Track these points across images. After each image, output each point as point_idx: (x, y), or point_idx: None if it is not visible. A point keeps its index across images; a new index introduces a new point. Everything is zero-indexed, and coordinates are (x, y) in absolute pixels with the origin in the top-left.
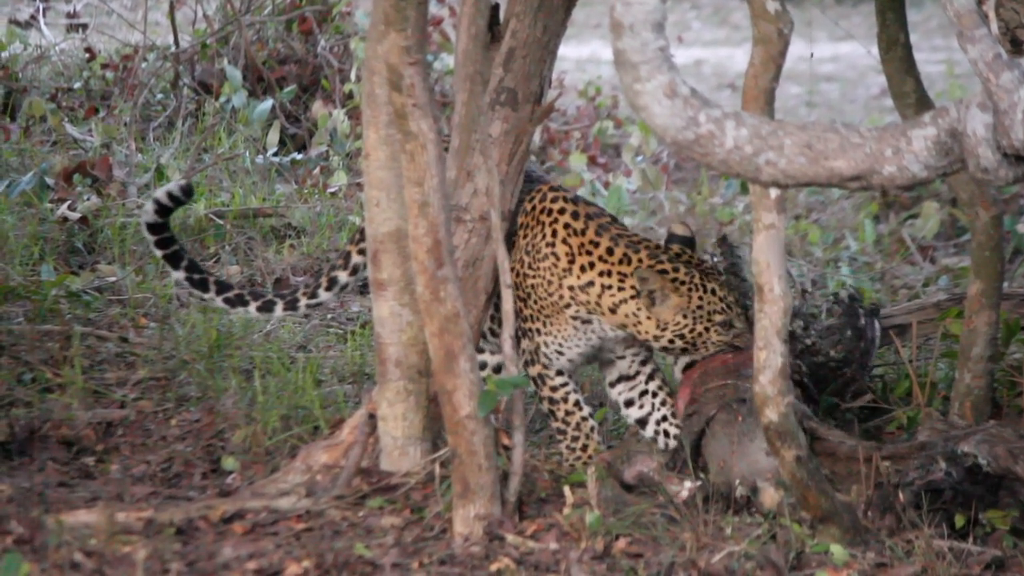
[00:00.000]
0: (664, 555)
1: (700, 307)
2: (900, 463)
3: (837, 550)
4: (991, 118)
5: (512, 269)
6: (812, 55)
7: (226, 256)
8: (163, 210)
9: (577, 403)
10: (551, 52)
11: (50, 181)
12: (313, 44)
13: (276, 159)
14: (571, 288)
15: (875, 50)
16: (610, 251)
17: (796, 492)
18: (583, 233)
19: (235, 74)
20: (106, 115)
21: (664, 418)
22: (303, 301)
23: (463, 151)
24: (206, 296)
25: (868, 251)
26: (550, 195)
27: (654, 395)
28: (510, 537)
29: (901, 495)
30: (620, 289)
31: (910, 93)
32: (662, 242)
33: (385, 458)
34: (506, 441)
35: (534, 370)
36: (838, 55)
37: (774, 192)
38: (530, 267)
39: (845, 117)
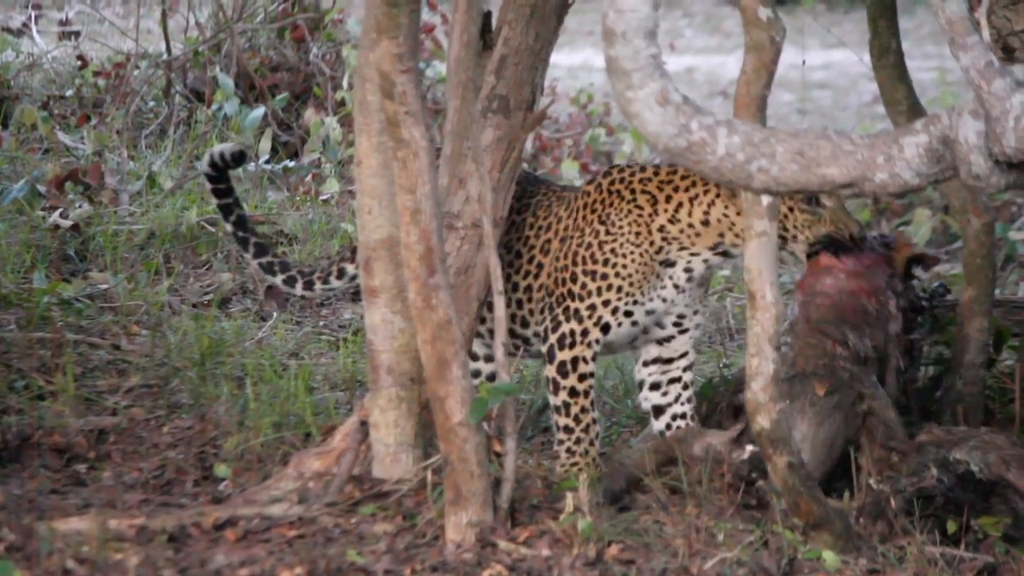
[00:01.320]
0: (656, 561)
1: None
2: (893, 470)
3: (829, 556)
4: (983, 125)
5: (567, 254)
6: (804, 62)
7: (218, 264)
8: (217, 167)
9: (593, 404)
10: (543, 59)
11: (42, 189)
12: (305, 52)
13: (268, 167)
14: (661, 228)
15: (867, 57)
16: (689, 175)
17: (788, 499)
18: (656, 175)
19: (227, 82)
20: (98, 123)
21: (684, 415)
22: (318, 285)
23: (455, 158)
24: (245, 255)
25: None
26: (618, 174)
27: (685, 387)
28: (502, 544)
29: (893, 501)
30: (705, 192)
31: (902, 100)
32: None
33: (377, 465)
34: (498, 448)
35: (567, 354)
36: (830, 62)
37: (766, 199)
38: (608, 233)
39: (837, 124)
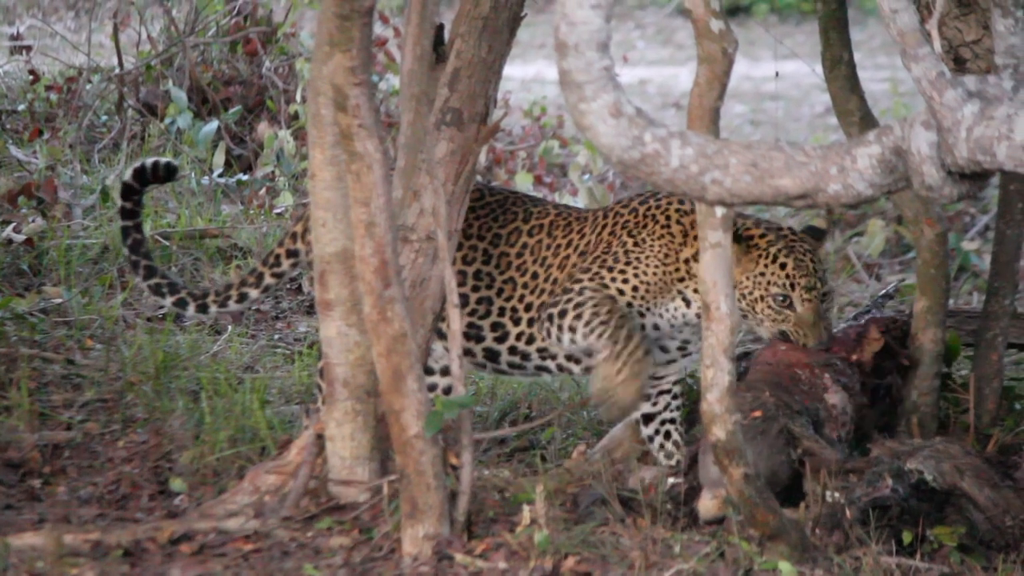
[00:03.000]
0: (613, 573)
1: (761, 274)
2: (848, 479)
3: (785, 567)
4: (935, 136)
5: (590, 258)
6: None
7: (172, 278)
8: (143, 181)
9: (621, 317)
10: (496, 72)
11: None
12: (258, 65)
13: (222, 180)
14: (687, 260)
15: (819, 68)
16: None
17: (744, 510)
18: (693, 211)
19: (180, 95)
20: (51, 137)
21: (672, 420)
22: (213, 308)
23: (409, 171)
24: (136, 278)
25: None
26: (652, 200)
27: (674, 397)
28: (459, 556)
29: (848, 512)
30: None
31: (854, 111)
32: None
33: (333, 478)
34: (454, 460)
35: (580, 297)
36: (782, 74)
37: (720, 211)
38: (635, 246)
39: (790, 136)
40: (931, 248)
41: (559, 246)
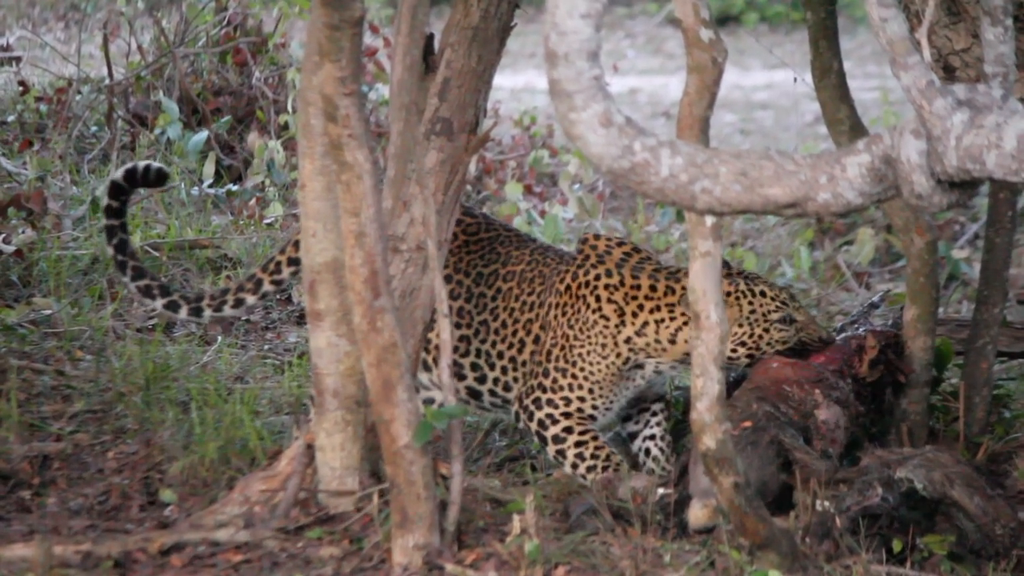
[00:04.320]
0: None
1: (753, 311)
2: (838, 489)
3: None
4: (925, 145)
5: (553, 348)
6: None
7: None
8: (133, 181)
9: (593, 441)
10: (486, 82)
11: None
12: (248, 75)
13: (212, 190)
14: (628, 340)
15: (809, 77)
16: (653, 288)
17: (734, 518)
18: (622, 284)
19: (170, 106)
20: (40, 148)
21: (653, 436)
22: (207, 312)
23: (399, 181)
24: (123, 279)
25: (804, 278)
26: (581, 272)
27: (654, 414)
28: (449, 567)
29: (838, 521)
30: (672, 319)
31: (844, 120)
32: None
33: (323, 488)
34: (444, 470)
35: (554, 429)
36: (772, 82)
37: (709, 219)
38: (575, 338)
39: (779, 144)
40: (921, 257)
41: (524, 304)
